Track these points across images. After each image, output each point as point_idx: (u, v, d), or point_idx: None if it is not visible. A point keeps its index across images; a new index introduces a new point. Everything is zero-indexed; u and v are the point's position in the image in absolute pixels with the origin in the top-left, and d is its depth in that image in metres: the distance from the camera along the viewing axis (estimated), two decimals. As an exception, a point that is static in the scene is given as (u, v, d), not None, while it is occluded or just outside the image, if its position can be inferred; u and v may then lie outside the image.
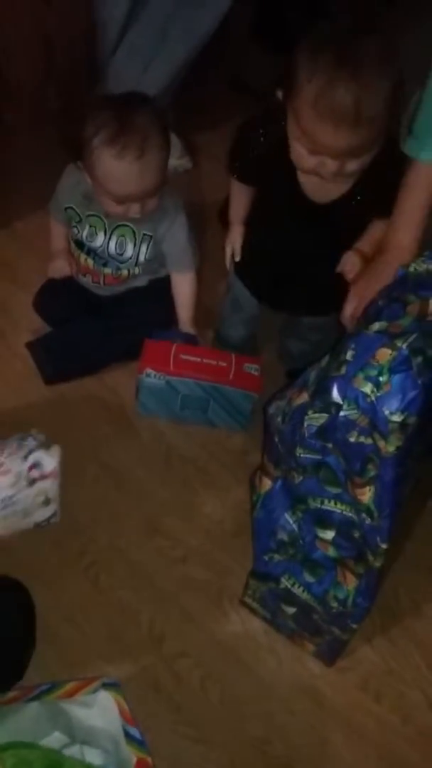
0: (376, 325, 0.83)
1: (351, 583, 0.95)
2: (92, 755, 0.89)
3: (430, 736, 1.01)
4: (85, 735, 0.89)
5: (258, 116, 1.08)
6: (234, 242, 1.23)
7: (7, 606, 0.99)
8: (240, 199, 1.20)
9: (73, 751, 0.89)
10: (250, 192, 1.18)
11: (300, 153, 0.99)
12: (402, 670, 1.06)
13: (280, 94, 0.99)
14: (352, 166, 0.98)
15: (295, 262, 1.16)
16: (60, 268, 1.37)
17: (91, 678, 0.92)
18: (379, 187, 1.04)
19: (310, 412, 0.85)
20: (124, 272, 1.31)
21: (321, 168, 0.98)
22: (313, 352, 1.30)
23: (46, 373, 1.32)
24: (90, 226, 1.27)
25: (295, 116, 0.95)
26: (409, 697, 1.04)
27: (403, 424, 0.77)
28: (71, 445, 1.25)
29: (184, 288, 1.32)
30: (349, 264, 1.11)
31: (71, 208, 1.27)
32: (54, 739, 0.89)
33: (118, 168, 1.11)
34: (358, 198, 1.06)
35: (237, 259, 1.23)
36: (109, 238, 1.26)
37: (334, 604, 0.96)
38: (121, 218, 1.22)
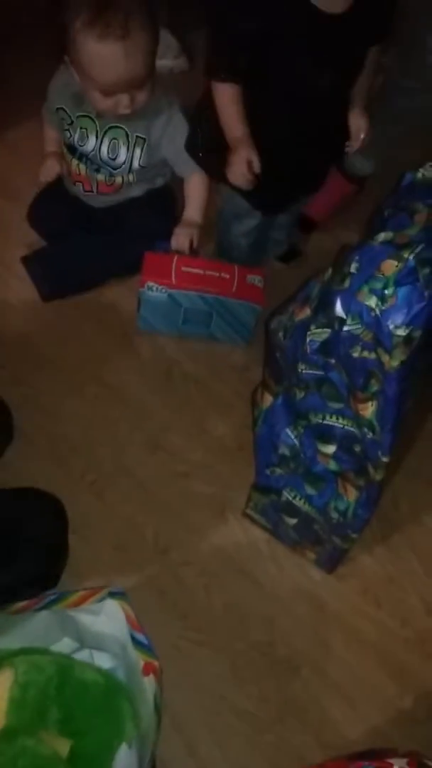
0: (382, 236, 0.80)
1: (352, 495, 0.96)
2: (101, 659, 0.92)
3: (427, 638, 1.05)
4: (93, 640, 0.92)
5: None
6: (250, 156, 1.07)
7: (46, 512, 1.02)
8: (236, 108, 1.07)
9: (82, 655, 0.92)
10: (241, 95, 1.07)
11: None
12: (401, 576, 1.09)
13: None
14: None
15: (317, 126, 1.11)
16: (50, 166, 1.30)
17: (98, 588, 0.95)
18: None
19: (312, 328, 0.84)
20: (118, 179, 1.26)
21: None
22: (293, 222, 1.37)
23: (43, 290, 1.30)
24: (81, 128, 1.21)
25: None
26: (408, 603, 1.07)
27: (407, 339, 0.76)
28: (70, 363, 1.24)
29: (194, 189, 1.27)
30: (363, 130, 1.13)
31: (62, 109, 1.22)
32: (64, 645, 0.92)
33: (102, 50, 1.06)
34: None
35: (257, 170, 1.09)
36: (101, 142, 1.21)
37: (335, 515, 0.97)
38: (112, 114, 1.17)
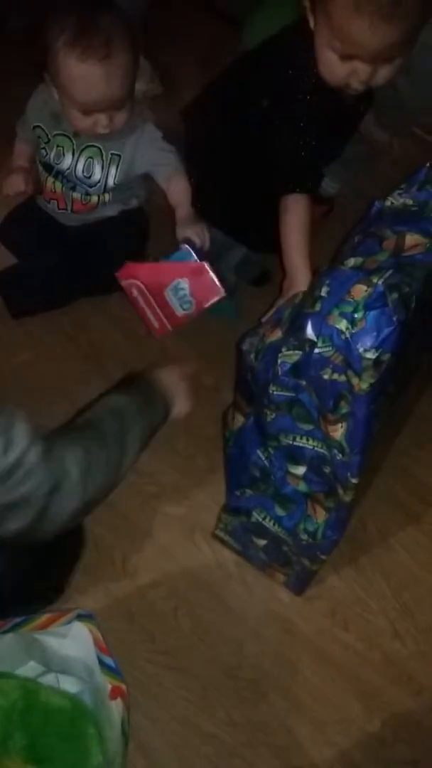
0: (352, 261, 0.82)
1: (321, 516, 0.96)
2: (68, 683, 0.91)
3: (394, 661, 1.05)
4: (60, 664, 0.91)
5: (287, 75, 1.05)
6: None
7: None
8: (309, 225, 1.07)
9: (48, 679, 0.91)
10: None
11: (331, 61, 0.98)
12: (369, 598, 1.10)
13: (306, 1, 0.98)
14: (383, 73, 0.99)
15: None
16: (14, 181, 1.27)
17: (66, 610, 0.94)
18: None
19: (284, 350, 0.85)
20: (94, 198, 1.27)
21: (352, 77, 0.99)
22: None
23: (12, 307, 1.29)
24: (57, 147, 1.22)
25: (328, 17, 0.94)
26: (375, 625, 1.08)
27: (377, 362, 0.77)
28: (39, 381, 1.24)
29: (177, 188, 1.26)
30: None
31: (39, 127, 1.23)
32: (29, 669, 0.91)
33: (83, 70, 1.06)
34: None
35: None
36: (77, 160, 1.22)
37: (304, 537, 0.97)
38: (89, 133, 1.17)
